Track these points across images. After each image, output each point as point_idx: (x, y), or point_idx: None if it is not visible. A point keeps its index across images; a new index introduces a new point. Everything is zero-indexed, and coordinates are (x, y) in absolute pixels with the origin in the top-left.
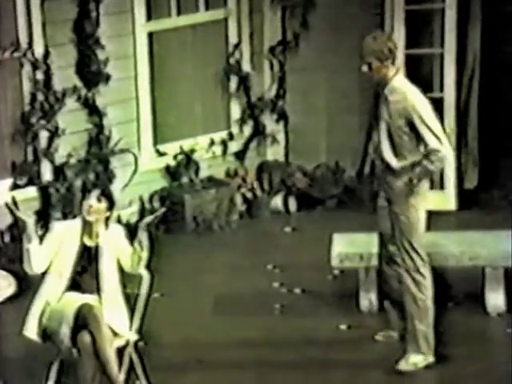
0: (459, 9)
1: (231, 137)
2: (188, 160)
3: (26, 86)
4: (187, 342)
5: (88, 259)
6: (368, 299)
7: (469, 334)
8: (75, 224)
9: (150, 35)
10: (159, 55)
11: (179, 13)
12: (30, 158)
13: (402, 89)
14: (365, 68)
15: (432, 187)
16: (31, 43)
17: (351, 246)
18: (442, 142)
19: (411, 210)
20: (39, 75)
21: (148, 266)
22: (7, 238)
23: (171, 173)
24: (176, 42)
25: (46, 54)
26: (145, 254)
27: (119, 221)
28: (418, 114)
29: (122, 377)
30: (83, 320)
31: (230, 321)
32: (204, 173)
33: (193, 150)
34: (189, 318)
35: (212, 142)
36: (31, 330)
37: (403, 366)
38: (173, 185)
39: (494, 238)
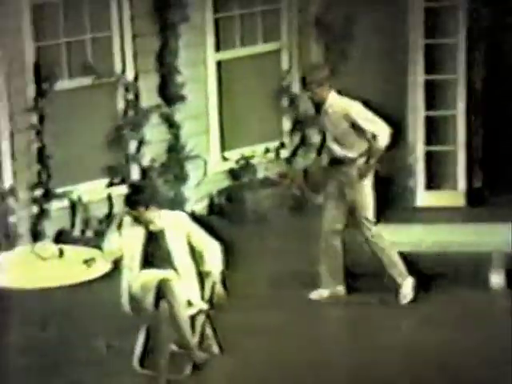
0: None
1: (283, 145)
2: (248, 164)
3: (120, 105)
4: (250, 309)
5: (155, 242)
6: None
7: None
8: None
9: (219, 63)
10: (226, 79)
11: (242, 45)
12: (122, 162)
13: (337, 101)
14: (309, 94)
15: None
16: (124, 70)
17: None
18: (378, 125)
19: (366, 189)
20: (130, 96)
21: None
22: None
23: (234, 174)
24: (239, 68)
25: (136, 79)
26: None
27: (193, 214)
28: (356, 114)
29: (195, 340)
30: (162, 291)
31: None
32: (261, 174)
33: (252, 156)
34: (248, 290)
35: (267, 150)
36: (125, 304)
37: (314, 295)
38: (235, 184)
39: (497, 229)
